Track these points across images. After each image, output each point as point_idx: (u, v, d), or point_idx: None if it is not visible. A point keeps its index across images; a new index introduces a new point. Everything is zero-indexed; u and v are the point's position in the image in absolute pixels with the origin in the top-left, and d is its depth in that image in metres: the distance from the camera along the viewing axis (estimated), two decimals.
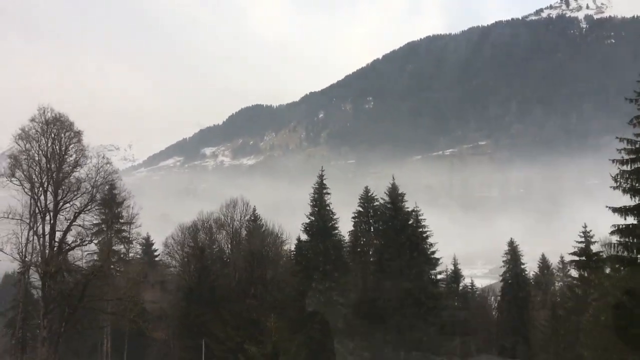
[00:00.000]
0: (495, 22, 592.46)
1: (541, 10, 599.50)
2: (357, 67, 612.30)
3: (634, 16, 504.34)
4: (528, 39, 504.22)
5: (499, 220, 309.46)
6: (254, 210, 67.08)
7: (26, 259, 53.03)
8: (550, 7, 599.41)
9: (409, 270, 52.76)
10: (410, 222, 56.34)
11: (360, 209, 63.58)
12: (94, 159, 47.98)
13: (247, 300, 61.15)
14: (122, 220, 55.20)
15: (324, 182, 57.39)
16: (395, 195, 56.94)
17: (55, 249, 45.34)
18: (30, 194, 46.33)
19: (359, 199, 64.19)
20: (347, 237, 61.97)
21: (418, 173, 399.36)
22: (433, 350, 51.92)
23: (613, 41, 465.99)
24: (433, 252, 55.86)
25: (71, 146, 46.44)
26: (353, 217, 63.41)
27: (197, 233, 66.34)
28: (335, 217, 56.99)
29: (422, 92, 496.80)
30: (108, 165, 47.41)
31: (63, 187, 45.68)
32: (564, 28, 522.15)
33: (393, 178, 58.35)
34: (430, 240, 56.08)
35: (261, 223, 67.86)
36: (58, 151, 45.98)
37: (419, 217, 56.89)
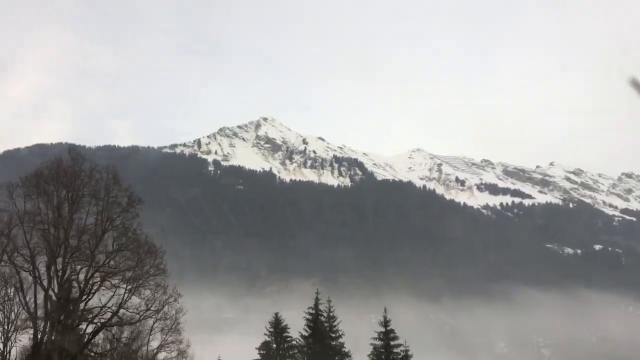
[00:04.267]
0: (132, 145, 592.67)
1: (175, 145, 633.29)
2: None
3: (254, 170, 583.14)
4: (168, 168, 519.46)
5: None
6: None
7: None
8: (184, 145, 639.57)
9: None
10: None
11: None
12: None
13: None
14: None
15: None
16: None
17: None
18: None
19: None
20: None
21: None
22: None
23: (242, 187, 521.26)
24: None
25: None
26: None
27: None
28: None
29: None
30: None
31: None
32: (200, 167, 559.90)
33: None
34: None
35: None
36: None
37: None
